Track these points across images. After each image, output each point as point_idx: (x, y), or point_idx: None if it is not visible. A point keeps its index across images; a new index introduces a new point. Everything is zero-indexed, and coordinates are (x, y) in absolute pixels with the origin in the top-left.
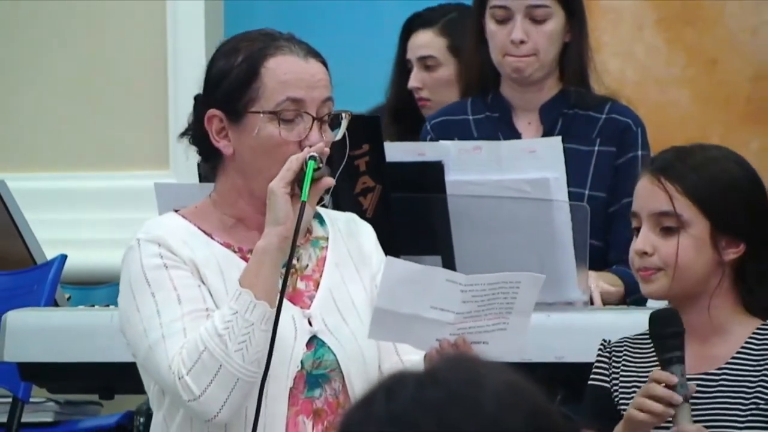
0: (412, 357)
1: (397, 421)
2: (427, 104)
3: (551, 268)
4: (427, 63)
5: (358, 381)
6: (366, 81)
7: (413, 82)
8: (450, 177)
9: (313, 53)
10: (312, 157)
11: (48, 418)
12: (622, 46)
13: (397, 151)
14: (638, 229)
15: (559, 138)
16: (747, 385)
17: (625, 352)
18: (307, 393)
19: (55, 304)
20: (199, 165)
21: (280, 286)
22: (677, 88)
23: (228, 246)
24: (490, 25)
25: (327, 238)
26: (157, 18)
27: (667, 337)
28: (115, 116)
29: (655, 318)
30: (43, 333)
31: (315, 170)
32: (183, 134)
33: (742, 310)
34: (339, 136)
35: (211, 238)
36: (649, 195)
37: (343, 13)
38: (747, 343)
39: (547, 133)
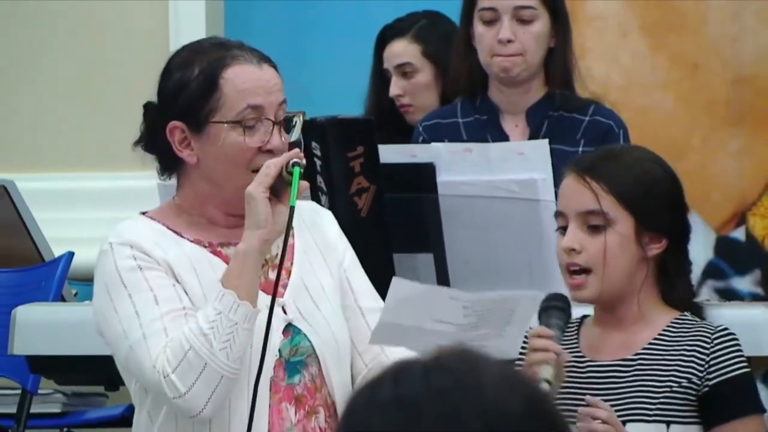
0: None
1: (404, 405)
2: (409, 109)
3: (538, 264)
4: (405, 70)
5: (333, 364)
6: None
7: (394, 90)
8: (441, 177)
9: (265, 59)
10: (296, 164)
11: (55, 409)
12: (607, 51)
13: (390, 153)
14: (563, 228)
15: (546, 141)
16: (660, 370)
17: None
18: (287, 380)
19: (63, 300)
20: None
21: (265, 281)
22: (661, 92)
23: (198, 242)
24: (479, 28)
25: (292, 227)
26: (159, 19)
27: (550, 308)
28: (119, 119)
29: (547, 296)
30: (51, 327)
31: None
32: (137, 143)
33: (662, 302)
34: (294, 138)
35: (181, 236)
36: (575, 194)
37: (343, 13)
38: (663, 331)
39: (534, 134)
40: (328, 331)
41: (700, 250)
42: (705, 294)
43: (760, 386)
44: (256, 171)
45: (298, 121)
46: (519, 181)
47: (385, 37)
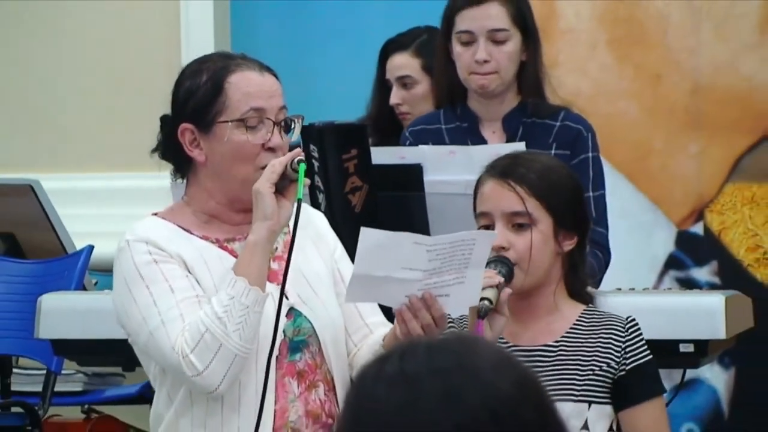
0: (373, 319)
1: (408, 380)
2: (407, 117)
3: None
4: (405, 82)
5: (331, 343)
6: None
7: (394, 99)
8: (428, 177)
9: (266, 68)
10: (301, 161)
11: (77, 388)
12: (577, 63)
13: (381, 155)
14: (487, 227)
15: (523, 143)
16: (583, 355)
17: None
18: (290, 357)
19: (84, 289)
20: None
21: (274, 270)
22: (626, 100)
23: (206, 238)
24: (457, 48)
25: (288, 224)
26: (171, 29)
27: (498, 260)
28: (135, 123)
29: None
30: (73, 313)
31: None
32: (154, 150)
33: (567, 294)
34: (294, 138)
35: (190, 233)
36: (500, 197)
37: (341, 25)
38: (577, 321)
39: (510, 139)
40: (325, 313)
41: (663, 243)
42: (666, 283)
43: (716, 367)
44: (257, 168)
45: (297, 124)
46: None
47: (388, 50)
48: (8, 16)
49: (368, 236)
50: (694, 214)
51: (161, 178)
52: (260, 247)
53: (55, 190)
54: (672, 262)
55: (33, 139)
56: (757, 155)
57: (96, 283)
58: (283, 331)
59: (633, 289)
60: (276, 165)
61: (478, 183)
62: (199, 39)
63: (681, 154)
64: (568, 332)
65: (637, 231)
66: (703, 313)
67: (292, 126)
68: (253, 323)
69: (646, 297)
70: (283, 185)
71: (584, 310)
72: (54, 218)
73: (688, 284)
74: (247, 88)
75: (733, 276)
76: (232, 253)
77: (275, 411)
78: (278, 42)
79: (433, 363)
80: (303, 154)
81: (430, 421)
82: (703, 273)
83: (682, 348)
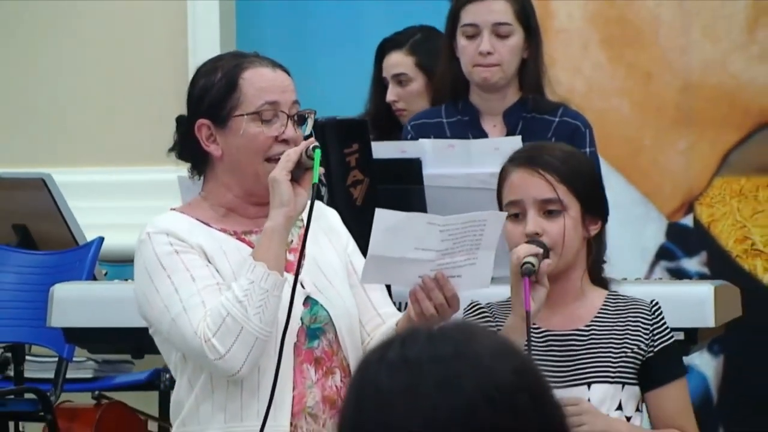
0: (386, 309)
1: (409, 365)
2: (403, 113)
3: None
4: (400, 79)
5: (346, 331)
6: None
7: (390, 96)
8: (427, 171)
9: (278, 65)
10: (316, 147)
11: (88, 375)
12: (571, 62)
13: (382, 149)
14: (516, 215)
15: (519, 137)
16: (615, 338)
17: (490, 314)
18: (307, 344)
19: (94, 279)
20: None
21: (290, 259)
22: (618, 98)
23: (224, 231)
24: (461, 41)
25: (302, 219)
26: (178, 27)
27: (535, 240)
28: (143, 119)
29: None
30: (84, 303)
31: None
32: (171, 150)
33: (589, 279)
34: (308, 132)
35: (209, 225)
36: (530, 184)
37: (341, 26)
38: (603, 306)
39: (510, 133)
40: (341, 302)
41: (654, 235)
42: (658, 273)
43: (706, 354)
44: (270, 160)
45: (310, 118)
46: (495, 174)
47: (384, 49)
48: (22, 16)
49: (383, 217)
50: (684, 207)
51: (168, 172)
52: (278, 233)
53: (67, 183)
54: (663, 253)
55: (45, 135)
56: (744, 150)
57: (106, 274)
58: (301, 319)
59: (625, 279)
60: (291, 154)
61: (503, 173)
62: (206, 38)
63: (671, 149)
64: (596, 317)
65: (629, 223)
66: (693, 302)
67: (306, 119)
68: (273, 307)
69: (638, 287)
70: (298, 174)
71: (608, 295)
72: (65, 211)
73: (679, 274)
74: (260, 83)
75: (721, 266)
76: (250, 244)
77: (294, 396)
78: (282, 41)
79: (433, 350)
80: (317, 142)
81: (430, 405)
82: (692, 263)
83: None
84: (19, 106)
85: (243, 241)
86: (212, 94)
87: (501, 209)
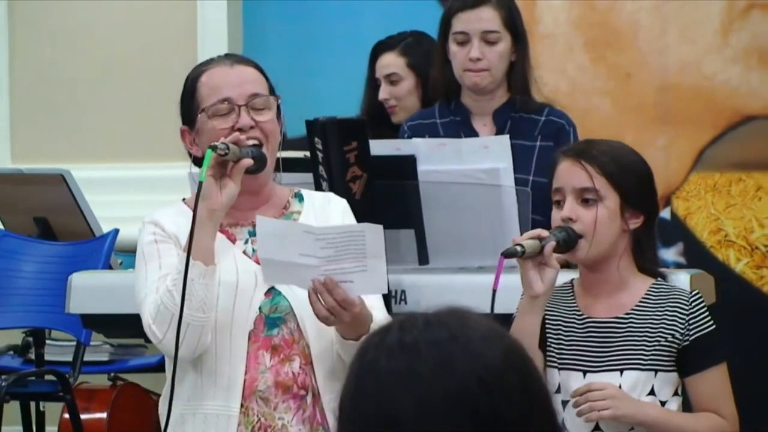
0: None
1: (406, 349)
2: (395, 110)
3: (500, 239)
4: (392, 79)
5: (310, 321)
6: (360, 87)
7: (383, 95)
8: (421, 167)
9: (241, 61)
10: (211, 146)
11: (104, 358)
12: (556, 64)
13: (379, 147)
14: (558, 202)
15: (507, 136)
16: (650, 326)
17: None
18: (266, 332)
19: (110, 268)
20: None
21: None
22: (600, 97)
23: None
24: (453, 47)
25: (300, 212)
26: (188, 29)
27: (560, 227)
28: (156, 118)
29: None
30: (101, 290)
31: (222, 155)
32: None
33: (636, 269)
34: (273, 115)
35: None
36: (572, 174)
37: (348, 17)
38: (646, 294)
39: (499, 132)
40: (304, 294)
41: None
42: None
43: None
44: None
45: (276, 101)
46: (485, 170)
47: (377, 51)
48: (38, 20)
49: (264, 224)
50: (662, 201)
51: (178, 168)
52: (203, 225)
53: (84, 179)
54: None
55: (64, 133)
56: (718, 147)
57: (121, 263)
58: (259, 308)
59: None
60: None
61: (554, 162)
62: (214, 40)
63: (650, 146)
64: (637, 305)
65: None
66: None
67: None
68: (199, 293)
69: None
70: (226, 168)
71: (652, 284)
72: (83, 204)
73: None
74: (213, 82)
75: (697, 256)
76: (229, 236)
77: (245, 380)
78: (286, 43)
79: (429, 334)
80: (240, 137)
81: (425, 386)
82: (670, 254)
83: None
84: (40, 108)
85: (225, 232)
86: (182, 102)
87: (551, 196)
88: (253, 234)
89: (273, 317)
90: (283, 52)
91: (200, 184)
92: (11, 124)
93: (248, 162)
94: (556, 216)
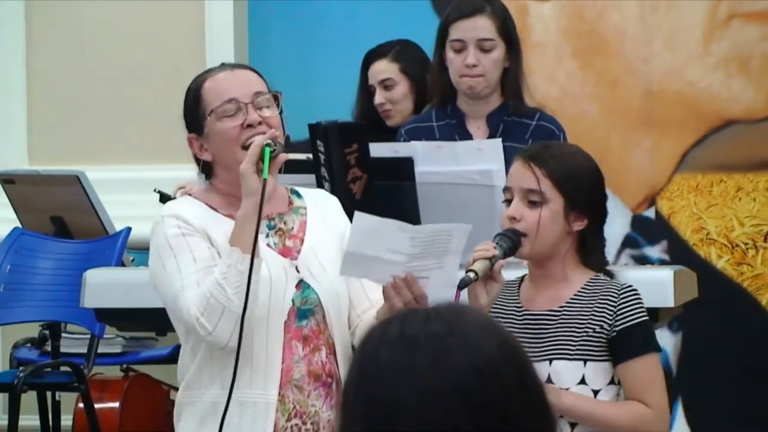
0: (376, 296)
1: (406, 341)
2: (390, 114)
3: (491, 236)
4: (386, 84)
5: (334, 313)
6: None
7: (378, 99)
8: (418, 169)
9: (239, 66)
10: (267, 144)
11: (117, 350)
12: (547, 71)
13: (378, 149)
14: (509, 201)
15: (500, 140)
16: (581, 318)
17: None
18: (297, 323)
19: (122, 265)
20: None
21: (254, 242)
22: (588, 103)
23: (230, 216)
24: (450, 54)
25: (305, 207)
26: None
27: (502, 234)
28: (166, 121)
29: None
30: (114, 286)
31: (271, 152)
32: (200, 171)
33: (581, 265)
34: (275, 112)
35: (217, 211)
36: (521, 175)
37: (341, 40)
38: (582, 288)
39: (492, 135)
40: (331, 287)
41: (620, 225)
42: (623, 260)
43: (666, 331)
44: (246, 147)
45: (278, 97)
46: (478, 171)
47: (369, 59)
48: (55, 28)
49: (361, 220)
50: (647, 201)
51: (188, 169)
52: (249, 220)
53: (98, 180)
54: (628, 242)
55: (79, 136)
56: (701, 150)
57: (133, 260)
58: (292, 300)
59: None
60: (254, 147)
61: (512, 163)
62: (220, 45)
63: (636, 148)
64: (571, 299)
65: None
66: (655, 285)
67: (277, 101)
68: (252, 287)
69: None
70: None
71: (590, 278)
72: (97, 204)
73: (642, 261)
74: (217, 87)
75: (680, 253)
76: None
77: (282, 369)
78: (289, 51)
79: (428, 328)
80: (276, 135)
81: (424, 378)
82: (654, 251)
83: None
84: (56, 112)
85: None
86: (187, 111)
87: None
88: (271, 227)
89: (303, 309)
90: (286, 60)
91: (264, 181)
92: (28, 128)
93: (285, 157)
94: (503, 214)
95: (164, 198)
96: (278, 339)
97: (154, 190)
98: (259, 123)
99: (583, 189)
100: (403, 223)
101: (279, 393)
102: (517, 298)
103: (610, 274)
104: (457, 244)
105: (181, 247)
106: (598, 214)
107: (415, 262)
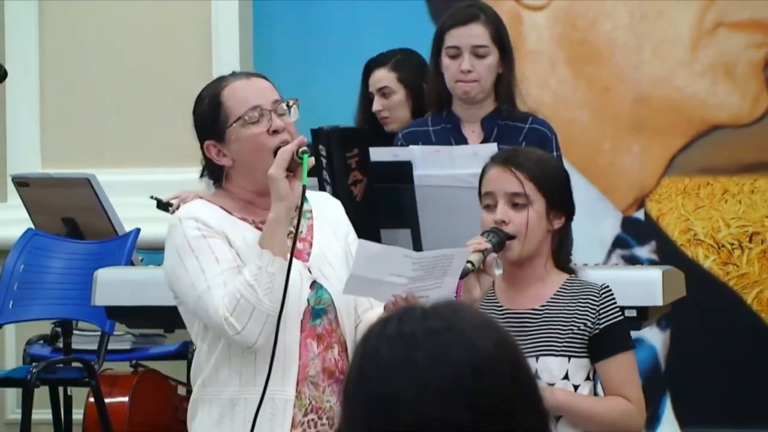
0: (379, 310)
1: (405, 338)
2: (387, 121)
3: None
4: (384, 92)
5: (345, 313)
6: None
7: (376, 107)
8: (417, 172)
9: (254, 75)
10: (305, 151)
11: (126, 346)
12: (540, 78)
13: (378, 153)
14: (489, 206)
15: (495, 144)
16: (564, 316)
17: None
18: (311, 322)
19: (132, 264)
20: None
21: (289, 246)
22: (580, 108)
23: (244, 219)
24: (445, 60)
25: (311, 211)
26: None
27: (491, 230)
28: (174, 126)
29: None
30: (123, 284)
31: (301, 158)
32: (201, 176)
33: (554, 265)
34: (295, 118)
35: (231, 214)
36: (502, 180)
37: (343, 48)
38: (561, 288)
39: (487, 139)
40: (341, 287)
41: (611, 227)
42: (614, 260)
43: (655, 329)
44: (273, 152)
45: (295, 105)
46: (475, 175)
47: (369, 67)
48: (67, 35)
49: (365, 248)
50: (636, 203)
51: (195, 172)
52: (280, 223)
53: (109, 182)
54: (618, 243)
55: (90, 141)
56: (688, 154)
57: (142, 260)
58: (307, 300)
59: (586, 264)
60: (285, 152)
61: (484, 169)
62: (226, 53)
63: (625, 153)
64: (552, 298)
65: (589, 217)
66: (644, 284)
67: (290, 107)
68: (279, 287)
69: (597, 271)
70: (293, 169)
71: (567, 279)
72: (107, 206)
73: (632, 260)
74: (238, 94)
75: (668, 254)
76: None
77: (299, 366)
78: (292, 57)
79: (426, 325)
80: (304, 139)
81: (422, 374)
82: (644, 251)
83: (627, 313)
84: (67, 116)
85: (260, 229)
86: (205, 118)
87: (480, 200)
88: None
89: (317, 309)
90: (289, 68)
91: (303, 188)
92: (41, 132)
93: (313, 162)
94: (488, 219)
95: (161, 205)
96: (295, 338)
97: (151, 197)
98: (283, 129)
99: (559, 188)
100: (407, 250)
101: (296, 389)
102: (494, 297)
103: (576, 272)
104: (457, 265)
105: (203, 249)
106: (571, 210)
107: (417, 284)
